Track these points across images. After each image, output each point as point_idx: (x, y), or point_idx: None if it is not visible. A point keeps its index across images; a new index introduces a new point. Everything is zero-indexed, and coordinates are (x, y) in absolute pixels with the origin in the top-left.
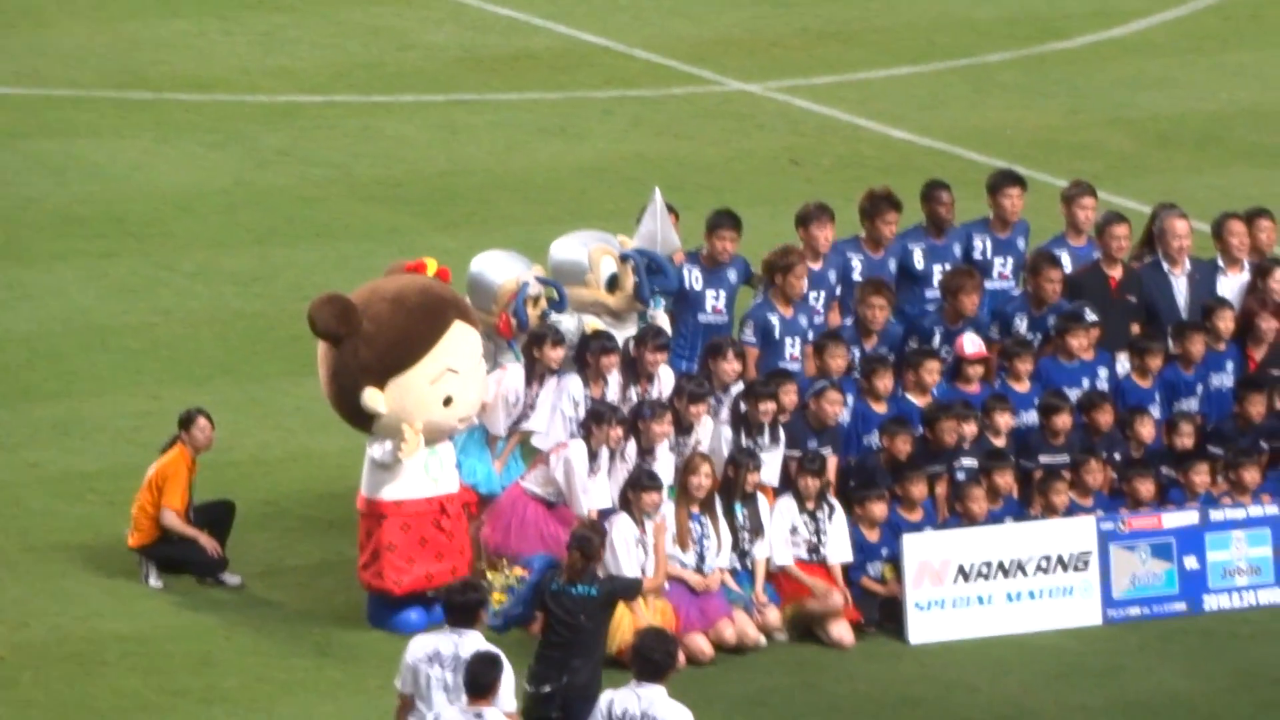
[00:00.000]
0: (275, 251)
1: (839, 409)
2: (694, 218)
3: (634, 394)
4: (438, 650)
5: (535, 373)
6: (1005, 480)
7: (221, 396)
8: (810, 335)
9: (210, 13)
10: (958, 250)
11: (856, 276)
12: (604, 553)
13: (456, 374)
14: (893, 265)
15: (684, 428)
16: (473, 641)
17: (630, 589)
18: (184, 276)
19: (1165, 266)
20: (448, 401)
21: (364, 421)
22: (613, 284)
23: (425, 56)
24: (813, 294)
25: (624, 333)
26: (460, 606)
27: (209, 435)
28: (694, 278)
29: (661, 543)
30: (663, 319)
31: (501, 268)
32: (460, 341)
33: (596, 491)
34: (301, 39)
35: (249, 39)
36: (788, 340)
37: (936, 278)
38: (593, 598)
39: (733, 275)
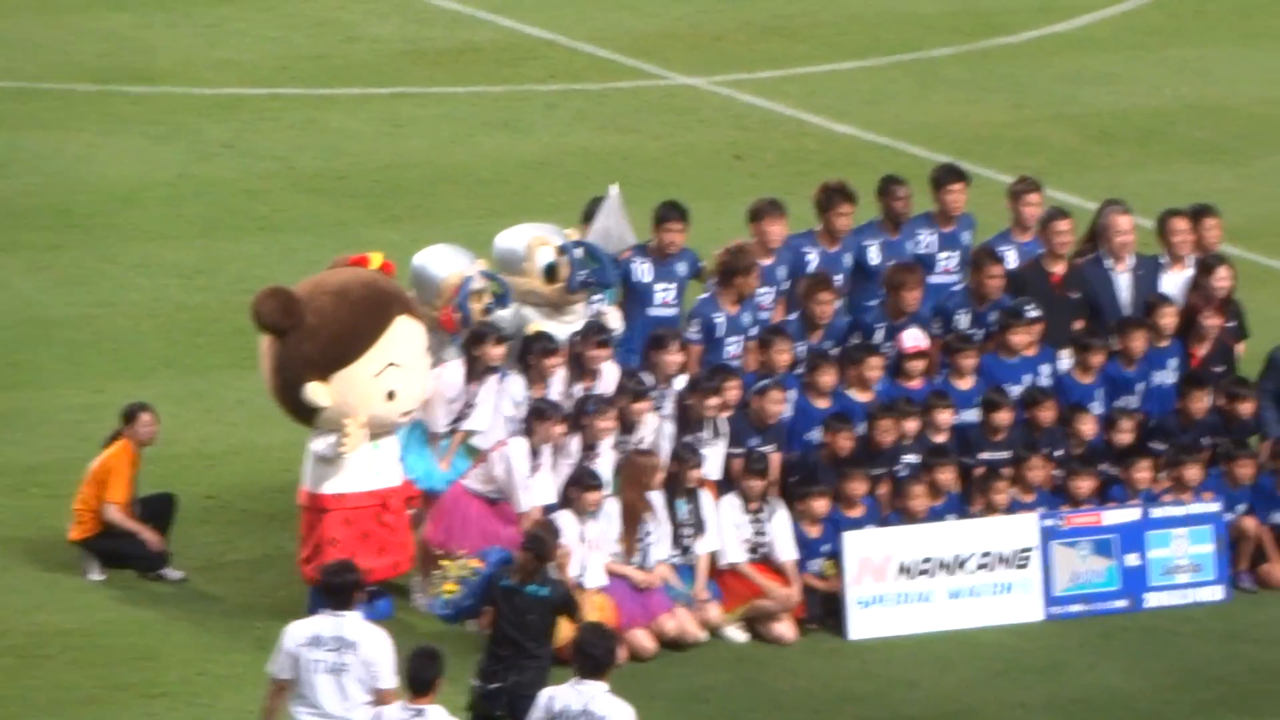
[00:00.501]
0: (219, 244)
1: (781, 407)
2: (639, 212)
3: (578, 390)
4: (318, 634)
5: (476, 370)
6: (947, 477)
7: (164, 389)
8: (753, 333)
9: (155, 5)
10: (912, 247)
11: (814, 270)
12: (557, 552)
13: (400, 368)
14: (848, 260)
15: (627, 426)
16: (353, 623)
17: (574, 609)
18: (127, 269)
19: (1108, 263)
20: (391, 396)
21: (307, 415)
22: (551, 274)
23: (370, 49)
24: (762, 290)
25: (565, 325)
26: (337, 588)
27: (153, 430)
28: (643, 271)
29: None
30: (612, 314)
31: (445, 262)
32: (404, 336)
33: (539, 488)
34: (246, 32)
35: (194, 31)
36: (730, 339)
37: None
38: (544, 598)
39: (682, 268)
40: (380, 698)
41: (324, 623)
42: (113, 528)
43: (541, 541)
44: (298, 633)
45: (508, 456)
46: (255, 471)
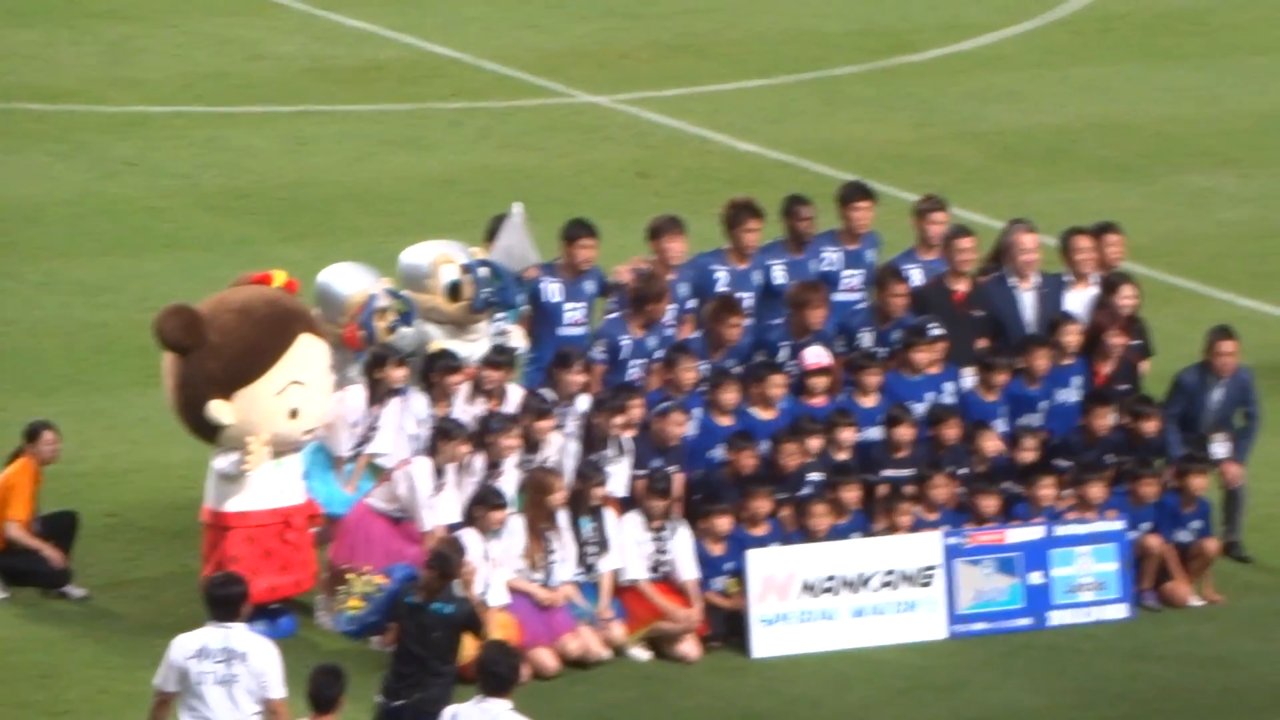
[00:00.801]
0: (122, 262)
1: (682, 429)
2: (543, 230)
3: (482, 409)
4: (205, 646)
5: (378, 393)
6: (851, 495)
7: (67, 407)
8: (658, 356)
9: (59, 23)
10: (815, 266)
11: (723, 288)
12: (463, 569)
13: (303, 386)
14: (758, 278)
15: (531, 444)
16: (240, 634)
17: (478, 627)
18: (30, 286)
19: (1012, 281)
20: (294, 414)
21: (210, 433)
22: (454, 292)
23: (274, 68)
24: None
25: (467, 344)
26: (222, 600)
27: (55, 448)
28: (553, 291)
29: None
30: (515, 333)
31: (350, 280)
32: (307, 354)
33: (443, 507)
34: (150, 50)
35: (97, 49)
36: (634, 362)
37: None
38: (448, 616)
39: (590, 287)
40: (270, 708)
41: (211, 634)
42: (14, 545)
43: (447, 559)
44: (185, 645)
45: (411, 475)
46: (158, 489)
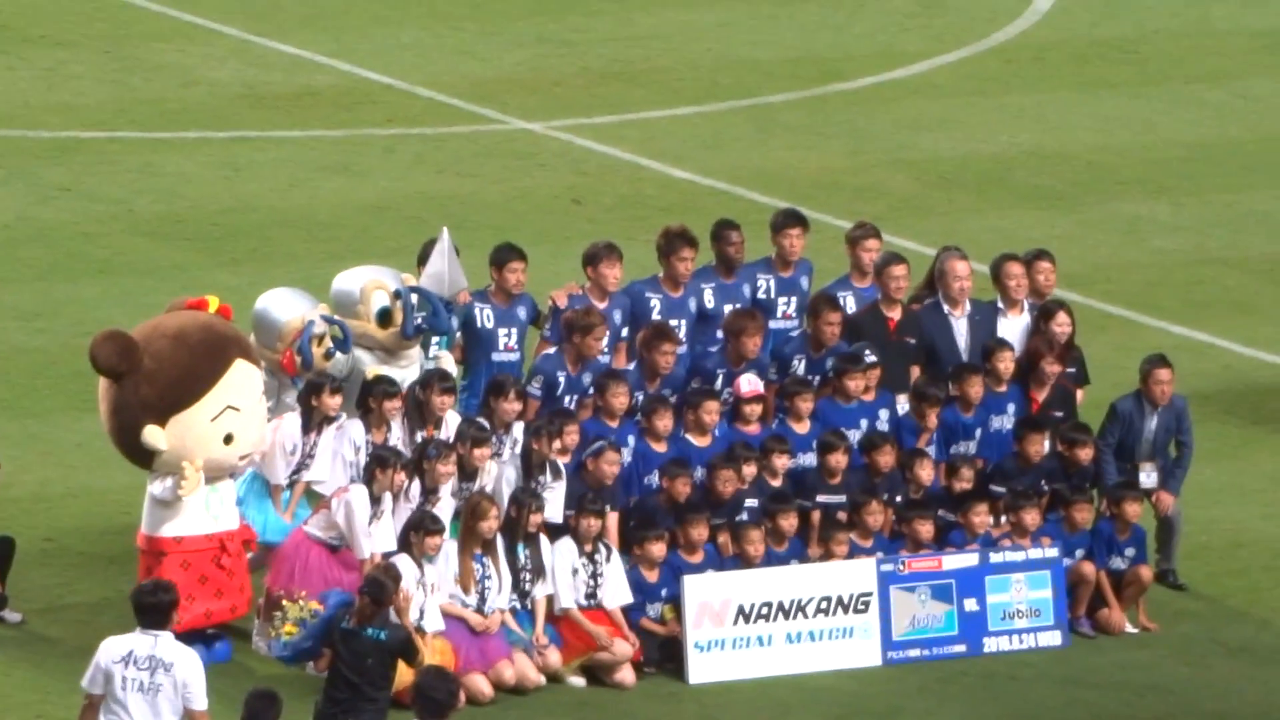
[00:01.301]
0: (57, 287)
1: (616, 469)
2: (476, 256)
3: (419, 437)
4: (131, 651)
5: (314, 421)
6: (789, 522)
7: (2, 432)
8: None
9: None
10: (747, 290)
11: (656, 316)
12: (398, 598)
13: (238, 411)
14: (692, 305)
15: (468, 473)
16: (167, 643)
17: (413, 653)
18: None
19: (945, 308)
20: (228, 439)
21: (145, 458)
22: (385, 319)
23: (208, 93)
24: None
25: (400, 371)
26: (151, 607)
27: None
28: (485, 316)
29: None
30: (447, 359)
31: (287, 306)
32: (242, 379)
33: (380, 535)
34: (84, 75)
35: (31, 74)
36: (568, 398)
37: None
38: (382, 642)
39: (523, 313)
40: (194, 718)
41: (139, 641)
42: None
43: (381, 585)
44: (112, 649)
45: (349, 503)
46: (94, 514)
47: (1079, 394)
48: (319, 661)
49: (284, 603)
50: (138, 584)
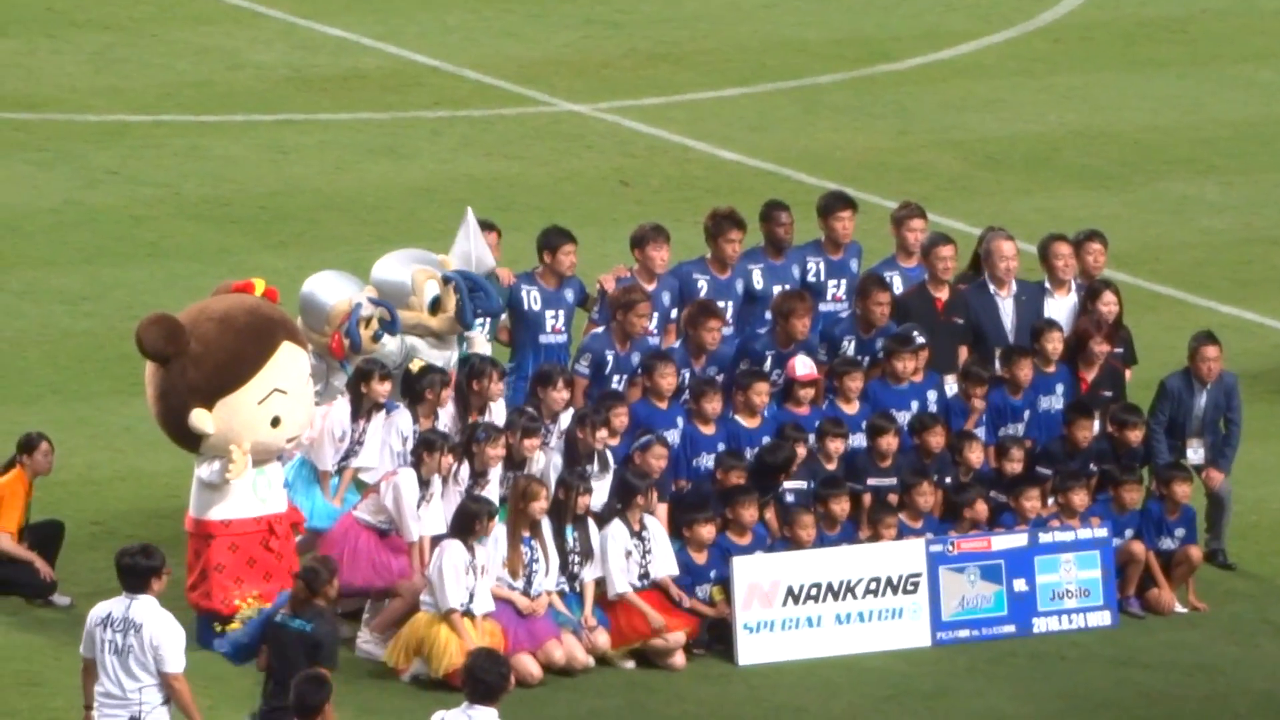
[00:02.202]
0: (104, 271)
1: (663, 463)
2: (524, 239)
3: (467, 422)
4: (110, 613)
5: (363, 408)
6: (840, 507)
7: (50, 416)
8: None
9: (40, 31)
10: (796, 271)
11: (701, 297)
12: (330, 590)
13: (285, 395)
14: (739, 286)
15: (516, 462)
16: (145, 606)
17: (329, 656)
18: (12, 296)
19: (992, 288)
20: (275, 422)
21: (192, 442)
22: (435, 306)
23: (254, 76)
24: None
25: (442, 354)
26: (128, 569)
27: (50, 460)
28: (532, 299)
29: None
30: (480, 343)
31: (334, 289)
32: (288, 362)
33: (430, 518)
34: (130, 58)
35: (78, 58)
36: (616, 377)
37: None
38: (307, 634)
39: (570, 295)
40: (165, 681)
41: (118, 604)
42: (4, 556)
43: (315, 572)
44: (96, 612)
45: (397, 485)
46: (142, 498)
47: (1127, 374)
48: (260, 658)
49: (237, 604)
50: (124, 547)
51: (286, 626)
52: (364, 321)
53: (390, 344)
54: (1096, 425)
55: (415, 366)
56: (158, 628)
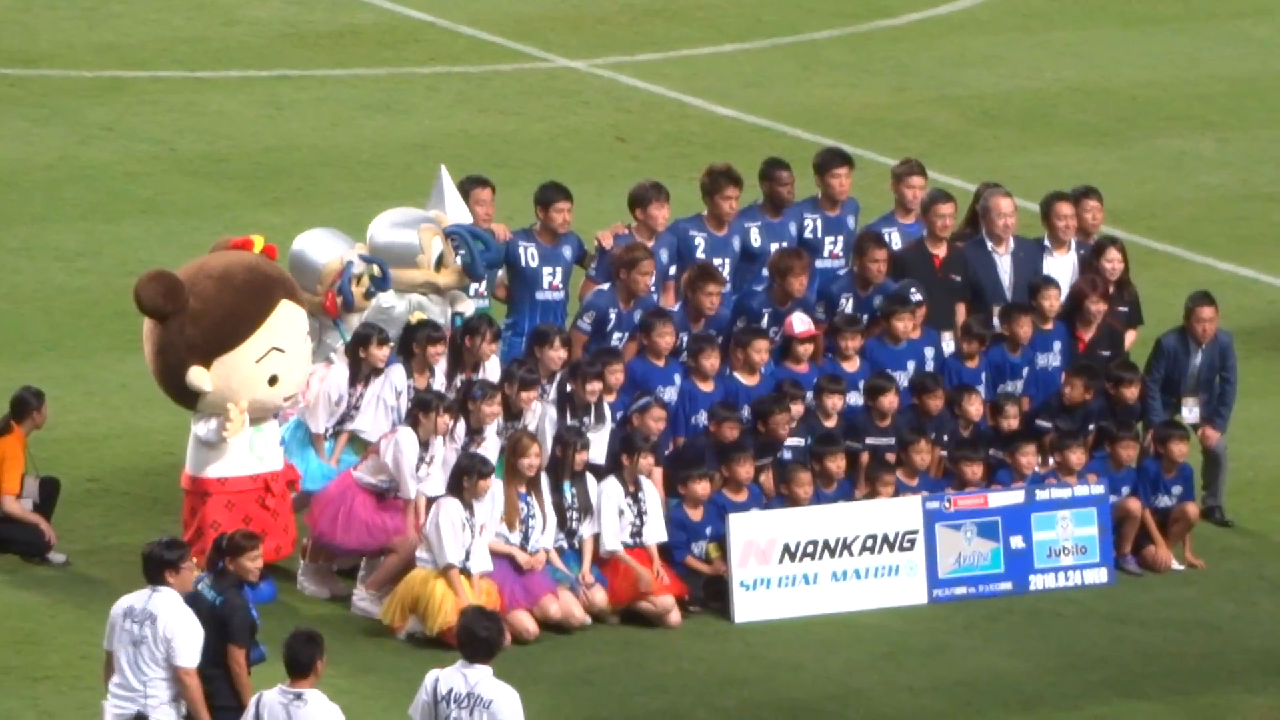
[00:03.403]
0: (100, 227)
1: (661, 425)
2: (520, 195)
3: (459, 380)
4: (131, 605)
5: (360, 373)
6: (837, 465)
7: (46, 372)
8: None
9: None
10: (793, 229)
11: (700, 255)
12: (247, 560)
13: (283, 353)
14: (736, 244)
15: (513, 414)
16: (164, 598)
17: (238, 633)
18: (8, 252)
19: (989, 245)
20: (273, 380)
21: (189, 399)
22: (438, 262)
23: (250, 32)
24: None
25: (435, 309)
26: (147, 559)
27: (44, 414)
28: (529, 255)
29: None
30: (463, 301)
31: (324, 247)
32: (286, 320)
33: (430, 482)
34: (125, 14)
35: (73, 14)
36: (617, 334)
37: None
38: (216, 608)
39: (568, 252)
40: (176, 675)
41: (138, 596)
42: (8, 518)
43: (228, 542)
44: (120, 603)
45: (397, 443)
46: (138, 455)
47: (1131, 334)
48: None
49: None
50: (154, 540)
51: (203, 595)
52: (356, 279)
53: (399, 304)
54: (1092, 388)
55: (414, 319)
56: (173, 620)
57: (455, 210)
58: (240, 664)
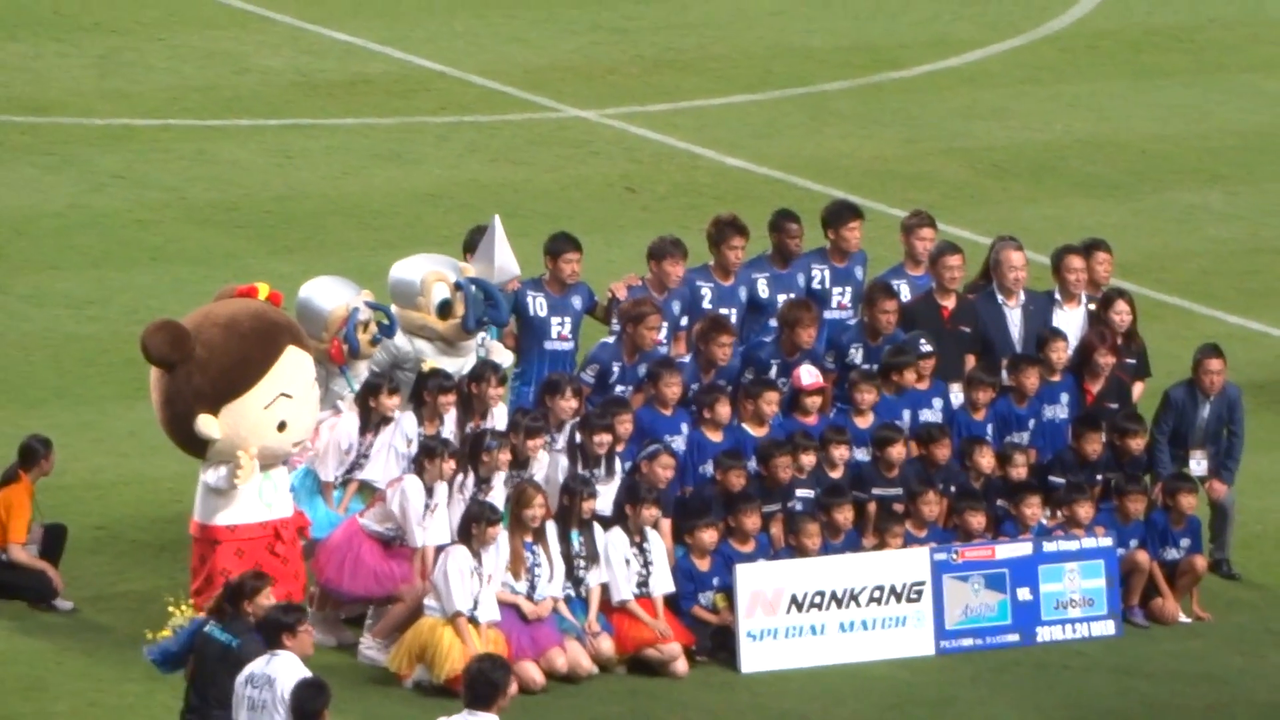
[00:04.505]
0: (110, 275)
1: (670, 473)
2: (530, 245)
3: (469, 428)
4: (252, 672)
5: (370, 421)
6: (844, 516)
7: (54, 420)
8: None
9: (47, 35)
10: (801, 280)
11: (707, 305)
12: (257, 605)
13: (291, 399)
14: (743, 294)
15: (520, 461)
16: (283, 661)
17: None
18: (18, 299)
19: (1000, 298)
20: (282, 426)
21: (198, 447)
22: (445, 310)
23: (261, 81)
24: None
25: (455, 362)
26: (261, 625)
27: (51, 461)
28: (539, 305)
29: None
30: (498, 350)
31: (330, 294)
32: (294, 366)
33: (435, 528)
34: (137, 62)
35: (85, 62)
36: (620, 388)
37: None
38: (232, 650)
39: (577, 302)
40: None
41: (260, 661)
42: (18, 566)
43: (239, 583)
44: (243, 672)
45: (404, 491)
46: (146, 502)
47: (1139, 386)
48: (188, 668)
49: (170, 609)
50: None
51: (213, 638)
52: (362, 325)
53: (400, 341)
54: (1103, 440)
55: (427, 368)
56: (291, 682)
57: (504, 262)
58: None
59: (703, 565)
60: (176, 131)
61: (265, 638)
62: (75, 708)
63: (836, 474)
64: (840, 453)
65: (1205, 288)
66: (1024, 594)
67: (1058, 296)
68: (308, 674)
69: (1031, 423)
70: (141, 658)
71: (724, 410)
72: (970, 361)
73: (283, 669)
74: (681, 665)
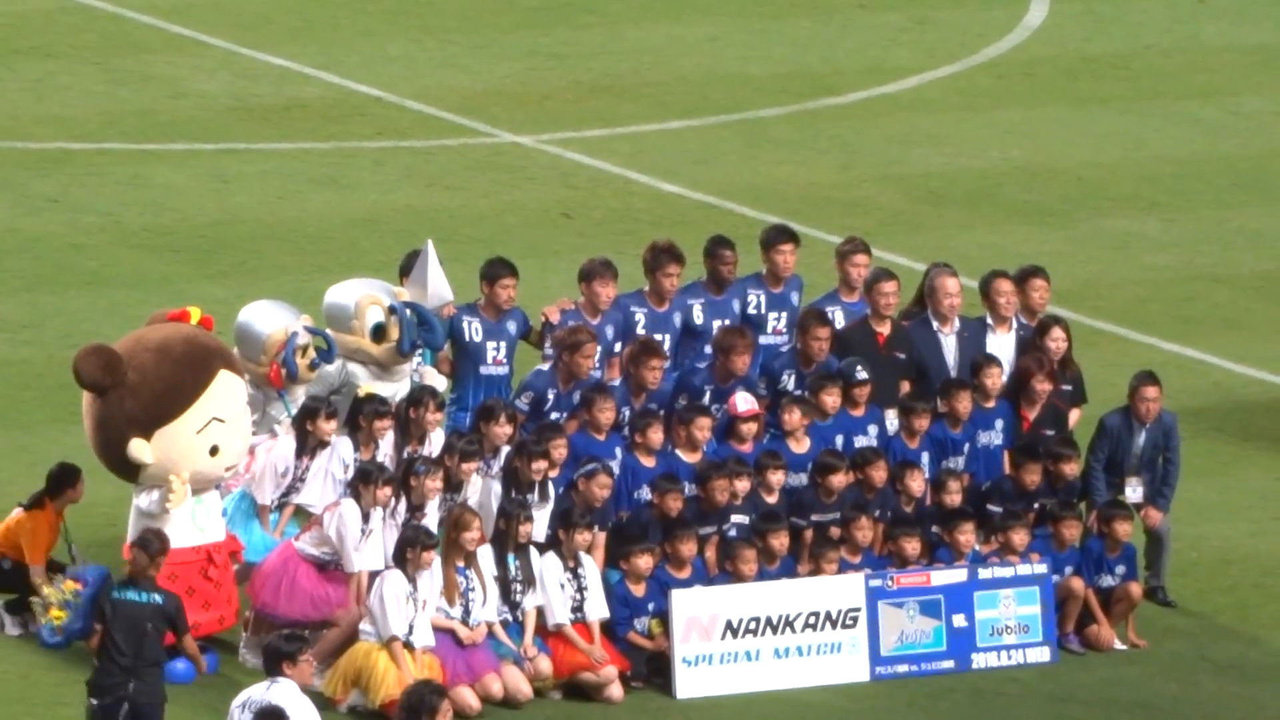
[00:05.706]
0: (44, 299)
1: (607, 492)
2: (465, 270)
3: (406, 453)
4: (249, 697)
5: (307, 445)
6: (780, 542)
7: None
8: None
9: None
10: (737, 306)
11: (641, 330)
12: (160, 561)
13: (223, 423)
14: (677, 320)
15: (454, 485)
16: (284, 689)
17: (185, 624)
18: None
19: (935, 324)
20: (214, 451)
21: (130, 471)
22: (379, 334)
23: (196, 105)
24: None
25: (390, 386)
26: (267, 652)
27: (80, 489)
28: (474, 330)
29: None
30: (431, 374)
31: (269, 318)
32: (226, 391)
33: (369, 552)
34: (72, 86)
35: (20, 85)
36: (554, 414)
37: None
38: (159, 606)
39: (513, 327)
40: None
41: (258, 688)
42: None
43: (149, 541)
44: (239, 696)
45: (341, 515)
46: (80, 526)
47: (1076, 413)
48: (91, 639)
49: (44, 591)
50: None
51: (126, 599)
52: (300, 350)
53: (330, 367)
54: (1041, 469)
55: (363, 393)
56: (294, 711)
57: (438, 287)
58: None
59: (638, 591)
60: (112, 155)
61: (266, 667)
62: None
63: (772, 499)
64: (776, 478)
65: (1141, 315)
66: (959, 620)
67: (990, 321)
68: (305, 701)
69: (966, 448)
70: (76, 680)
71: (656, 436)
72: (905, 388)
73: (283, 697)
74: (617, 690)
